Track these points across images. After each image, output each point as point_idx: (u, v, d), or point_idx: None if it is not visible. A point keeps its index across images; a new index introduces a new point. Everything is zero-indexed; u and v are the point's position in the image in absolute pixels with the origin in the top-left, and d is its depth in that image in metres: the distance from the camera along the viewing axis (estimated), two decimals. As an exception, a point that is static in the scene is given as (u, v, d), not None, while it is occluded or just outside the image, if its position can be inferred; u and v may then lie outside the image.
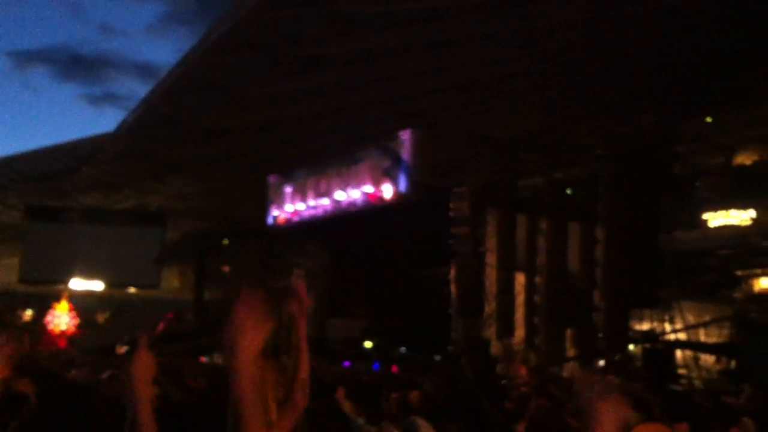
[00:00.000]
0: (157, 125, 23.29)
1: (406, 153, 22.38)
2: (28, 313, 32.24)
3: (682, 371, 16.26)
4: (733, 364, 16.01)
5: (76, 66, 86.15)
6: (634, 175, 18.16)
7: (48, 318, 27.97)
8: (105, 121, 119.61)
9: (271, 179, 26.77)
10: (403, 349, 21.70)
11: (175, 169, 26.71)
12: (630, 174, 18.21)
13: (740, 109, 20.48)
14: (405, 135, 22.30)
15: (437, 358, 19.12)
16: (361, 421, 5.46)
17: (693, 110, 20.22)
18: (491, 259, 20.05)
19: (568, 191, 19.99)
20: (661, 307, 17.37)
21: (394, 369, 18.13)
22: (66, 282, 31.63)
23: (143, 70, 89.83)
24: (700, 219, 21.78)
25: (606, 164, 18.66)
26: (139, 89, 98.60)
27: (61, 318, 27.64)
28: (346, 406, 4.95)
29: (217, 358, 23.87)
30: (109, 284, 32.91)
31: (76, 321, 28.03)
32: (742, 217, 21.03)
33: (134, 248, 32.07)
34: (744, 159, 22.14)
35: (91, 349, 21.48)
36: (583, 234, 18.84)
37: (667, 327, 17.11)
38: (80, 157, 26.65)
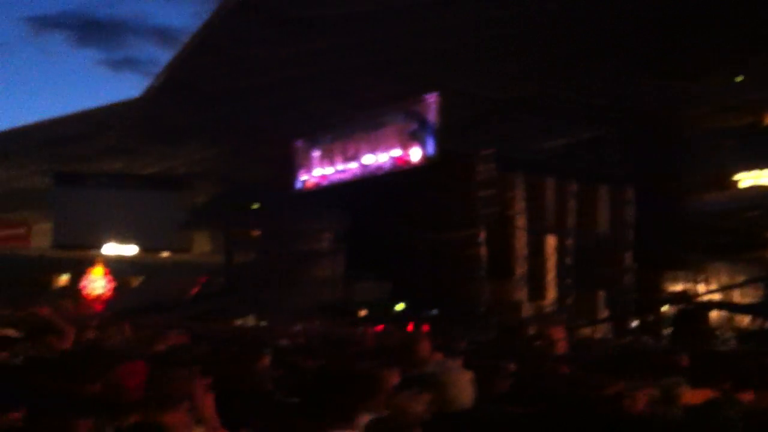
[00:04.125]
0: (179, 90, 23.41)
1: (432, 116, 22.30)
2: (64, 278, 32.72)
3: (715, 332, 16.22)
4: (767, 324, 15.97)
5: (93, 31, 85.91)
6: (662, 137, 17.98)
7: (83, 282, 28.38)
8: (126, 86, 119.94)
9: (298, 143, 26.81)
10: (434, 311, 21.79)
11: (198, 132, 26.87)
12: (658, 135, 18.03)
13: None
14: (431, 98, 22.20)
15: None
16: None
17: (721, 69, 19.90)
18: (520, 221, 20.03)
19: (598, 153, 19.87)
20: (694, 268, 17.28)
21: (426, 329, 18.25)
22: (99, 247, 32.02)
23: (160, 33, 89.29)
24: (730, 180, 21.57)
25: (634, 125, 18.49)
26: (157, 53, 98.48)
27: (97, 282, 28.02)
28: None
29: (249, 320, 24.21)
30: (142, 249, 33.23)
31: (112, 284, 28.42)
32: (773, 177, 20.82)
33: (163, 213, 32.29)
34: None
35: (125, 312, 21.78)
36: (613, 196, 18.73)
37: (700, 288, 17.04)
38: (104, 123, 26.84)
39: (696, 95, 19.63)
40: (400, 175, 22.82)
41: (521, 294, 19.20)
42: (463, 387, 4.07)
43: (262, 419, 3.91)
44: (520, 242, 19.81)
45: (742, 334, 16.25)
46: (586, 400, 4.45)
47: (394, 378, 5.41)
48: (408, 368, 6.04)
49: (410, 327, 18.98)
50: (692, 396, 3.67)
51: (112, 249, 32.49)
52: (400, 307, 22.86)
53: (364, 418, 3.95)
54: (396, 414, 3.70)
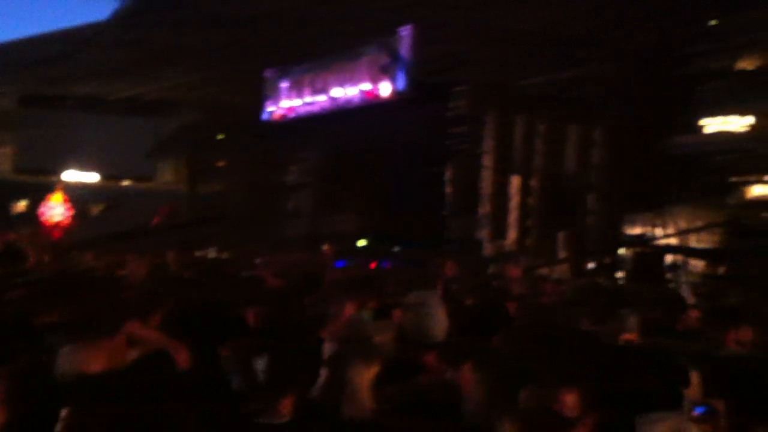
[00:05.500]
0: (152, 12, 22.89)
1: (405, 50, 22.02)
2: (23, 204, 32.33)
3: (670, 275, 16.52)
4: (721, 269, 16.28)
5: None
6: (636, 77, 17.97)
7: (42, 209, 27.95)
8: (96, 6, 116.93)
9: (268, 73, 26.40)
10: (396, 247, 21.94)
11: (171, 58, 26.34)
12: (632, 76, 18.01)
13: (746, 11, 20.06)
14: (405, 31, 21.89)
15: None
16: (366, 314, 5.57)
17: (697, 12, 19.83)
18: (488, 160, 20.06)
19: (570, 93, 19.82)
20: (654, 211, 17.49)
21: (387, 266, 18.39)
22: (60, 173, 31.66)
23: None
24: (697, 124, 21.69)
25: (608, 65, 18.43)
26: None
27: (56, 209, 27.60)
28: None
29: (211, 252, 24.13)
30: (104, 176, 32.94)
31: (71, 212, 28.03)
32: (740, 123, 20.97)
33: (129, 139, 31.95)
34: (747, 64, 21.86)
35: (85, 241, 21.62)
36: (581, 136, 18.77)
37: (659, 231, 17.29)
38: (75, 44, 26.20)
39: (672, 39, 19.59)
40: (369, 109, 22.66)
41: (483, 233, 19.34)
42: (440, 319, 4.13)
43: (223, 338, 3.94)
44: (486, 181, 19.88)
45: (696, 278, 16.59)
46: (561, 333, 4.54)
47: (349, 309, 5.48)
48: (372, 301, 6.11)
49: (373, 265, 19.11)
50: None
51: (73, 175, 32.15)
52: (362, 242, 23.00)
53: (327, 346, 4.01)
54: (361, 344, 3.75)
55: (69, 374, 3.17)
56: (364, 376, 3.04)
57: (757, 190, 20.38)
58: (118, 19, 23.83)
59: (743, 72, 21.52)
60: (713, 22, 20.85)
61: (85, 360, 3.20)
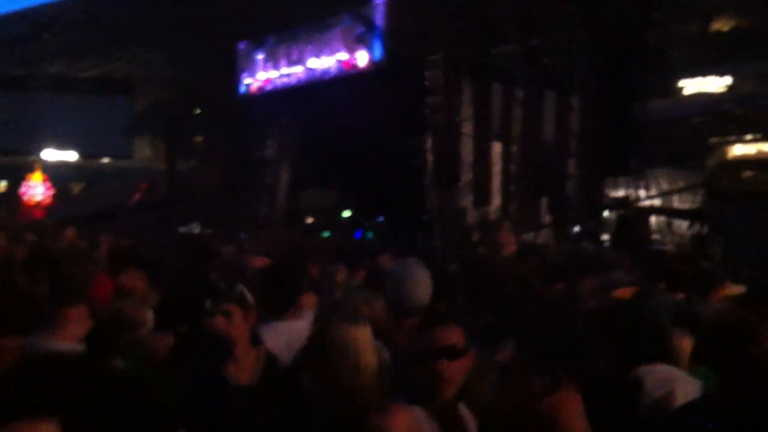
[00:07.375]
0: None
1: (380, 19, 21.83)
2: (2, 185, 32.08)
3: (655, 237, 16.66)
4: (704, 229, 16.41)
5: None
6: (610, 43, 17.91)
7: (22, 189, 27.72)
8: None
9: (241, 46, 26.09)
10: (380, 218, 21.92)
11: (139, 35, 25.99)
12: (606, 41, 17.95)
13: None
14: (379, 0, 21.70)
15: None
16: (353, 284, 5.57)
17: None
18: (467, 128, 19.99)
19: (545, 60, 19.74)
20: (635, 174, 17.57)
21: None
22: (38, 152, 31.44)
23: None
24: (674, 87, 21.74)
25: (581, 31, 18.35)
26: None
27: (36, 189, 27.39)
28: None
29: (193, 228, 24.02)
30: (82, 154, 32.78)
31: (51, 191, 27.83)
32: (716, 84, 21.03)
33: (104, 117, 31.75)
34: (721, 26, 21.86)
35: (66, 220, 21.41)
36: (558, 103, 18.75)
37: (641, 194, 17.39)
38: (41, 23, 25.79)
39: (646, 3, 19.53)
40: (346, 80, 22.48)
41: (466, 201, 19.34)
42: (422, 283, 4.09)
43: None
44: (466, 149, 19.84)
45: (680, 239, 16.74)
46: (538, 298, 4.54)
47: (339, 277, 5.49)
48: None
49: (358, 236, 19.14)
50: (626, 292, 3.75)
51: (51, 154, 31.92)
52: (346, 214, 22.96)
53: (309, 312, 4.00)
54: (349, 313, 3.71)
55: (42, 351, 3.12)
56: (363, 334, 3.00)
57: (735, 151, 20.51)
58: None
59: (719, 33, 21.53)
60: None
61: (55, 336, 3.16)
